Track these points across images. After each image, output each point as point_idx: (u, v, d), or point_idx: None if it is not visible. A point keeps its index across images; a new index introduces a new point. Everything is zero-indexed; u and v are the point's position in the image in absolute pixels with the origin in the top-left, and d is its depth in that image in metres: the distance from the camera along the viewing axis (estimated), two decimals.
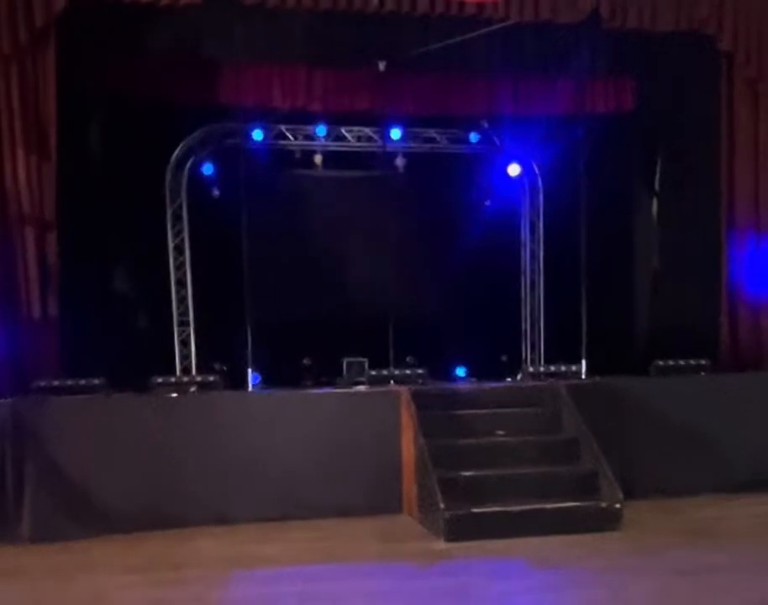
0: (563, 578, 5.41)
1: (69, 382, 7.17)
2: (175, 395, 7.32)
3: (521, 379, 8.49)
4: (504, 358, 10.22)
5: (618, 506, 6.46)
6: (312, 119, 10.37)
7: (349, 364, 9.84)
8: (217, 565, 5.86)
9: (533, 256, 11.18)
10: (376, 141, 10.53)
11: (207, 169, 10.38)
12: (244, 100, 9.69)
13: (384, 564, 5.87)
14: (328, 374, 9.75)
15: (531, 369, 8.80)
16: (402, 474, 7.14)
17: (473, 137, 10.89)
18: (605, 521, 6.43)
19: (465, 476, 6.68)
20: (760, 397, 7.75)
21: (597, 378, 8.22)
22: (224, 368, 8.82)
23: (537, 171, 11.14)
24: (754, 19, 9.08)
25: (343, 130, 10.58)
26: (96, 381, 7.19)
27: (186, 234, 10.10)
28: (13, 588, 5.50)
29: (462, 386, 8.76)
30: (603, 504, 6.53)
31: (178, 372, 9.75)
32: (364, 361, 9.50)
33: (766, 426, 7.65)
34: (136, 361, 8.60)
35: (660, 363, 8.08)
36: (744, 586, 5.09)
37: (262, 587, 5.42)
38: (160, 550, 6.30)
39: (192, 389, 7.58)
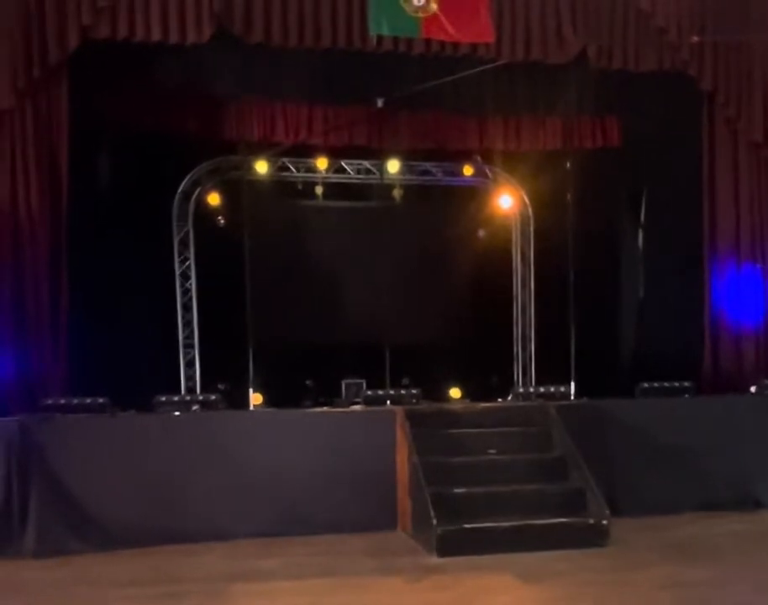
0: (551, 592, 5.30)
1: (75, 401, 7.11)
2: (177, 413, 7.26)
3: (512, 400, 8.42)
4: (496, 379, 10.16)
5: (604, 523, 6.37)
6: (313, 153, 10.42)
7: (347, 385, 9.80)
8: (217, 579, 5.74)
9: (524, 283, 11.18)
10: (374, 173, 10.58)
11: (213, 199, 10.40)
12: (249, 134, 9.76)
13: (379, 578, 5.75)
14: (327, 394, 9.69)
15: (522, 390, 8.73)
16: (397, 491, 7.04)
17: (466, 170, 10.93)
18: (592, 537, 6.33)
19: (457, 493, 6.58)
20: (740, 418, 7.68)
21: (585, 399, 8.18)
22: (226, 388, 8.73)
23: (528, 203, 11.16)
24: (734, 62, 9.15)
25: (343, 163, 10.63)
26: (101, 400, 7.12)
27: (192, 261, 10.12)
28: (15, 602, 5.38)
29: (455, 407, 8.69)
30: (591, 521, 6.43)
31: (183, 392, 9.69)
32: (361, 382, 9.45)
33: (746, 446, 7.57)
34: (143, 382, 8.53)
35: (645, 385, 8.02)
36: (724, 601, 5.01)
37: (261, 601, 5.32)
38: (161, 565, 6.18)
39: (195, 408, 7.51)
